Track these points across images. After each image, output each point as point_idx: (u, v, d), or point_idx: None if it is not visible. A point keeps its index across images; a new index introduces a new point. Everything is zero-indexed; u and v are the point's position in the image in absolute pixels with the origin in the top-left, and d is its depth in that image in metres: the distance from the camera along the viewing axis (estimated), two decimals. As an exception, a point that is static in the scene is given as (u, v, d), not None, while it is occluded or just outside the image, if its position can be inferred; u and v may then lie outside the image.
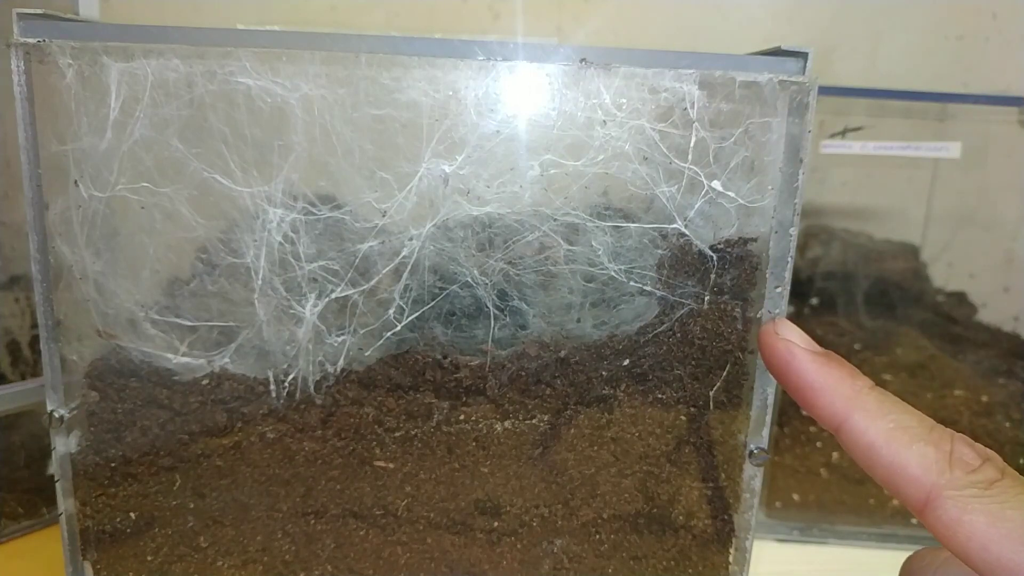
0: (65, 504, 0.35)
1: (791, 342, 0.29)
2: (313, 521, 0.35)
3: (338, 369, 0.34)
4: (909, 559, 0.29)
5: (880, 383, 0.27)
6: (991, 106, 0.62)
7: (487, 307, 0.34)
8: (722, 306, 0.33)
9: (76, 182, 0.32)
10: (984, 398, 0.61)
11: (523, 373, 0.34)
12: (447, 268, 0.33)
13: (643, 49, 0.31)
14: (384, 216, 0.32)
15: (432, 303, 0.34)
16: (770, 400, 0.34)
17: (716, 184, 0.32)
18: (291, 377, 0.34)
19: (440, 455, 0.35)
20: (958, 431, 0.25)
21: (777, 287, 0.33)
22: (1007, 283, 0.75)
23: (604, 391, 0.34)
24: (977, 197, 0.71)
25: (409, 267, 0.33)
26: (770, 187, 0.32)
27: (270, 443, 0.34)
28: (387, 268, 0.33)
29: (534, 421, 0.35)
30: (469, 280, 0.33)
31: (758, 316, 0.33)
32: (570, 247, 0.33)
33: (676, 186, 0.32)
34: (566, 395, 0.34)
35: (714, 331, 0.33)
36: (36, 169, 0.32)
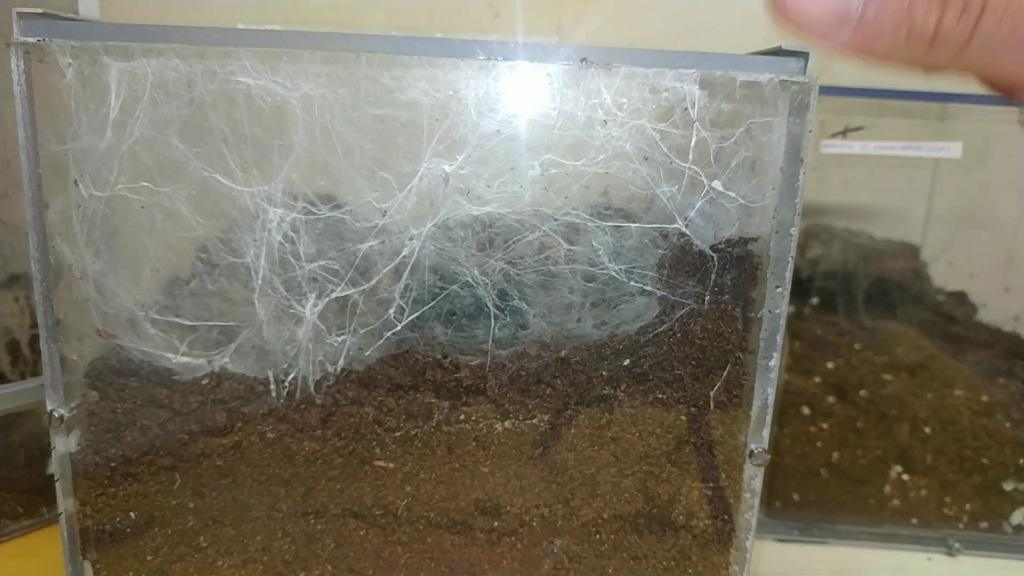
0: (65, 504, 0.35)
1: None
2: (313, 521, 0.35)
3: (338, 369, 0.34)
4: None
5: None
6: (991, 106, 0.62)
7: (487, 307, 0.34)
8: (722, 306, 0.33)
9: (76, 181, 0.32)
10: (984, 398, 0.61)
11: (523, 373, 0.34)
12: (447, 268, 0.33)
13: (644, 49, 0.31)
14: (384, 216, 0.32)
15: (432, 303, 0.33)
16: (770, 400, 0.34)
17: (717, 184, 0.32)
18: (291, 377, 0.34)
19: (440, 455, 0.35)
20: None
21: (778, 287, 0.33)
22: (1007, 283, 0.75)
23: (604, 391, 0.34)
24: (977, 197, 0.70)
25: (409, 267, 0.33)
26: (771, 187, 0.32)
27: (270, 443, 0.34)
28: (387, 268, 0.33)
29: (534, 421, 0.35)
30: (469, 280, 0.33)
31: (758, 316, 0.33)
32: (570, 247, 0.33)
33: (677, 186, 0.32)
34: (566, 395, 0.34)
35: (714, 331, 0.33)
36: (36, 168, 0.32)
